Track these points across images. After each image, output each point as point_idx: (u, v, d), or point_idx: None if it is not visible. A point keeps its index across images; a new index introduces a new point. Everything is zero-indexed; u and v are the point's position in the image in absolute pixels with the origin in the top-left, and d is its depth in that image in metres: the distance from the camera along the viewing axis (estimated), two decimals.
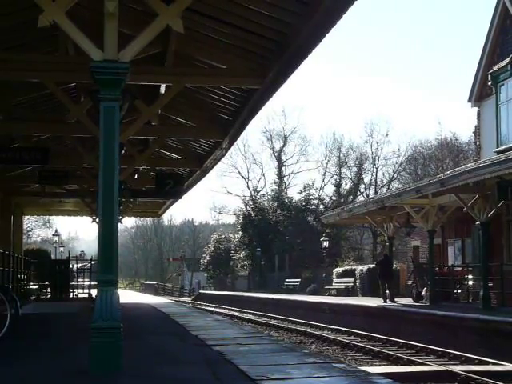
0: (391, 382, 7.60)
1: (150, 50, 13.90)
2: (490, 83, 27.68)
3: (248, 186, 79.13)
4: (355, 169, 71.01)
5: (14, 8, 13.54)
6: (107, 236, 8.10)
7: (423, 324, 21.89)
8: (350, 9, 10.49)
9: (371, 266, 41.73)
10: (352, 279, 42.37)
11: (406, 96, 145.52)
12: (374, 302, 28.50)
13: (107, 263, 8.09)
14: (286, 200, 68.22)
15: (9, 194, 29.68)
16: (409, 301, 28.55)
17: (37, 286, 32.18)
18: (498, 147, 26.87)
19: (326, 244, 54.39)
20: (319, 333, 23.85)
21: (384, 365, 15.96)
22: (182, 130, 21.62)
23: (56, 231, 65.30)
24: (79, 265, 38.99)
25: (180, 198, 25.85)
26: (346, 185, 71.43)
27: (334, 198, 69.00)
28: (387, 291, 28.95)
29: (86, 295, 31.91)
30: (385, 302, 28.16)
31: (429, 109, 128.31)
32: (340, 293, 42.33)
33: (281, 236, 63.72)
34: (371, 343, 20.55)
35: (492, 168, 20.13)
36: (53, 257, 44.43)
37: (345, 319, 27.65)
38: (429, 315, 21.94)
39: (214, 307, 43.51)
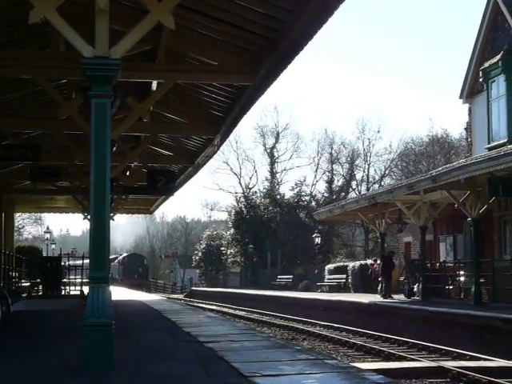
0: (383, 378, 7.61)
1: (142, 47, 13.85)
2: (481, 79, 27.69)
3: (240, 183, 79.06)
4: (347, 165, 71.06)
5: (4, 4, 13.47)
6: (99, 233, 8.09)
7: (415, 320, 21.94)
8: (340, 6, 10.50)
9: (363, 262, 41.83)
10: (344, 276, 42.41)
11: (398, 93, 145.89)
12: (366, 298, 28.56)
13: (99, 260, 8.08)
14: (278, 197, 68.19)
15: (0, 191, 29.57)
16: (401, 297, 28.62)
17: (28, 284, 32.06)
18: (489, 143, 26.92)
19: (318, 240, 54.44)
20: (311, 329, 23.88)
21: (376, 361, 16.00)
22: (173, 127, 21.59)
23: (47, 228, 65.12)
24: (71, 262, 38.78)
25: (172, 194, 25.79)
26: (338, 181, 71.55)
27: (326, 195, 69.00)
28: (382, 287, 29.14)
29: (78, 292, 31.82)
30: (384, 297, 28.31)
31: (420, 105, 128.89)
32: (332, 289, 42.39)
33: (273, 233, 63.71)
34: (363, 339, 20.58)
35: (483, 164, 20.17)
36: (44, 254, 44.28)
37: (337, 315, 27.68)
38: (420, 311, 22.00)
39: (206, 304, 43.50)
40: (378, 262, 39.13)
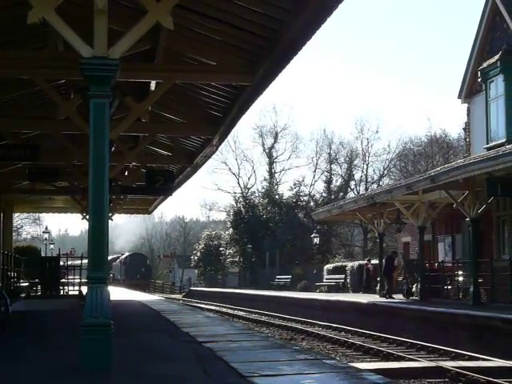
0: (382, 378, 7.62)
1: (140, 47, 13.85)
2: (479, 80, 27.68)
3: (239, 183, 79.04)
4: (346, 165, 71.12)
5: (2, 4, 13.46)
6: (97, 233, 8.08)
7: (414, 320, 21.94)
8: (339, 6, 10.49)
9: (362, 262, 41.85)
10: (343, 276, 42.42)
11: (396, 93, 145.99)
12: (365, 298, 28.56)
13: (97, 260, 8.07)
14: (277, 197, 68.20)
15: None
16: (399, 297, 28.63)
17: (27, 284, 32.06)
18: (487, 143, 26.92)
19: (316, 240, 54.42)
20: (310, 329, 23.88)
21: (374, 361, 16.00)
22: (172, 127, 21.58)
23: (46, 228, 65.02)
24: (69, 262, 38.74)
25: (170, 194, 25.79)
26: (337, 181, 71.61)
27: (324, 195, 69.05)
28: (385, 287, 29.19)
29: (77, 292, 31.81)
30: (386, 297, 28.32)
31: (419, 105, 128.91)
32: (331, 289, 42.39)
33: (271, 233, 63.70)
34: (362, 339, 20.58)
35: (482, 164, 20.17)
36: (43, 254, 44.25)
37: (335, 315, 27.69)
38: (419, 311, 22.00)
39: (205, 304, 43.49)
40: (372, 262, 39.44)
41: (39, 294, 31.06)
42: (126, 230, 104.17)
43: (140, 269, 79.07)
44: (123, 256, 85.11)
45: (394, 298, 28.05)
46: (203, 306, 40.39)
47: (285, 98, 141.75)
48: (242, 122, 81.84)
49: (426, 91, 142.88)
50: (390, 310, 24.13)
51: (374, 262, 40.13)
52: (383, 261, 31.25)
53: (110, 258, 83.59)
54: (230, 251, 68.92)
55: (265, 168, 77.39)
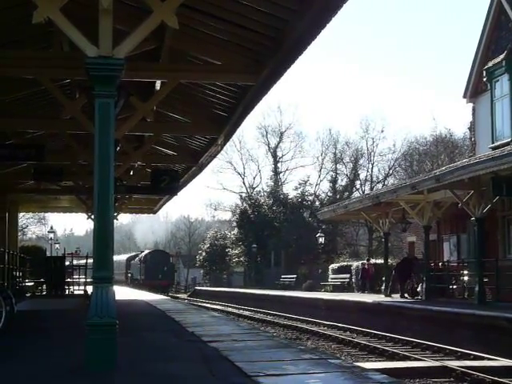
0: (387, 378, 7.61)
1: (145, 46, 13.87)
2: (485, 79, 27.66)
3: (244, 183, 79.08)
4: (351, 165, 71.01)
5: (8, 4, 13.49)
6: (102, 233, 8.09)
7: (419, 320, 21.91)
8: (344, 6, 10.49)
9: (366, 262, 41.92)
10: (348, 275, 42.41)
11: (401, 92, 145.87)
12: (370, 297, 28.54)
13: (103, 260, 8.08)
14: (282, 196, 68.20)
15: (4, 191, 29.60)
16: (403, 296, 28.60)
17: (32, 283, 32.09)
18: (493, 143, 26.89)
19: (321, 240, 54.42)
20: (315, 329, 23.87)
21: (380, 360, 15.98)
22: (177, 127, 21.61)
23: (51, 228, 65.07)
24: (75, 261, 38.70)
25: (176, 194, 25.80)
26: (342, 181, 71.51)
27: (329, 194, 69.01)
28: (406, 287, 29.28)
29: (82, 292, 31.84)
30: (407, 297, 28.34)
31: (424, 105, 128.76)
32: (336, 289, 42.39)
33: (277, 232, 63.69)
34: (367, 339, 20.57)
35: (487, 164, 20.15)
36: (48, 253, 44.28)
37: (340, 315, 27.67)
38: (424, 311, 21.97)
39: (210, 304, 43.51)
40: (371, 261, 39.53)
41: (44, 293, 31.09)
42: (145, 228, 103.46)
43: (162, 268, 70.71)
44: (143, 254, 78.77)
45: (406, 298, 28.00)
46: (208, 305, 40.42)
47: (289, 98, 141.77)
48: (247, 122, 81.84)
49: (431, 91, 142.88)
50: (395, 309, 24.11)
51: (374, 261, 40.25)
52: (398, 262, 31.32)
53: (127, 256, 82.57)
54: (236, 251, 68.91)
55: (270, 167, 77.48)
